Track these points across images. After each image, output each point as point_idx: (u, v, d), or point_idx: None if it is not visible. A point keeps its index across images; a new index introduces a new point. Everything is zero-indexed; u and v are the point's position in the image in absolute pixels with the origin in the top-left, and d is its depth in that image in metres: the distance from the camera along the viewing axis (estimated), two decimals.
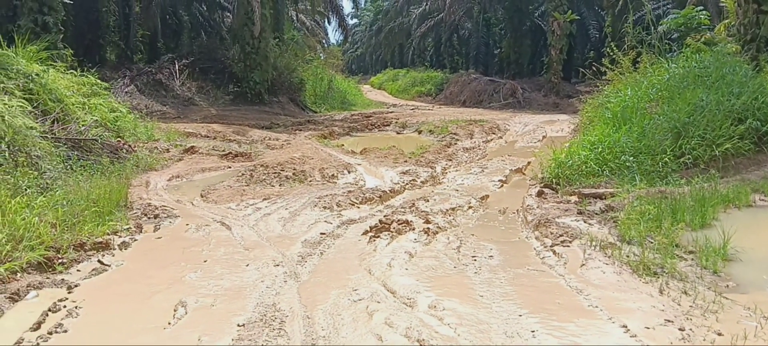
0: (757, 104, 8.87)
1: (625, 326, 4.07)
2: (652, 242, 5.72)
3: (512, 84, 31.29)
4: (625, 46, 15.60)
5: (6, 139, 7.40)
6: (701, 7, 15.05)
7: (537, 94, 30.12)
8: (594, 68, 15.02)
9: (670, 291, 4.68)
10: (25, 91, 9.60)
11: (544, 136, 16.47)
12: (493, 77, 34.59)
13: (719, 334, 3.91)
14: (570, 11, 28.43)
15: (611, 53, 14.51)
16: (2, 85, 9.15)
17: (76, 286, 4.95)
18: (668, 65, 11.36)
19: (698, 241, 5.58)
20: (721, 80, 9.49)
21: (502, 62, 39.32)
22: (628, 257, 5.46)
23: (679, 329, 3.99)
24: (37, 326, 4.15)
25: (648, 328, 4.04)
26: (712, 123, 8.53)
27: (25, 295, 4.69)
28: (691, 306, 4.38)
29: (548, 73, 30.47)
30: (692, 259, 5.38)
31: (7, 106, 8.29)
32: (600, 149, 9.18)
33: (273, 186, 9.42)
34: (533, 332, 4.03)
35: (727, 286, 4.78)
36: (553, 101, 28.58)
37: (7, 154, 7.14)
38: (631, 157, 8.75)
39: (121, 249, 6.03)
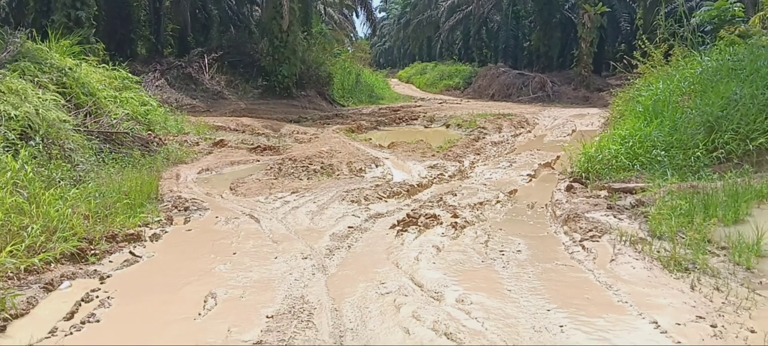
0: None
1: (656, 322, 4.02)
2: (683, 238, 5.64)
3: (541, 77, 31.00)
4: (657, 38, 15.33)
5: (40, 133, 7.55)
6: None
7: (567, 87, 29.79)
8: (625, 61, 14.80)
9: (702, 287, 4.61)
10: (58, 85, 9.77)
11: (573, 130, 16.31)
12: (522, 71, 34.28)
13: (752, 331, 3.84)
14: (601, 3, 28.01)
15: (642, 46, 14.27)
16: (36, 79, 9.32)
17: (108, 276, 5.04)
18: (701, 58, 11.15)
19: (731, 237, 5.48)
20: (755, 73, 9.28)
21: (531, 55, 38.93)
22: (658, 252, 5.39)
23: (711, 326, 3.93)
24: (71, 315, 4.24)
25: (679, 324, 3.99)
26: (746, 117, 8.36)
27: (59, 285, 4.79)
28: (723, 303, 4.31)
29: (578, 67, 30.12)
30: (724, 255, 5.29)
31: (41, 99, 8.45)
32: (631, 143, 9.06)
33: (301, 180, 9.47)
34: (562, 326, 4.00)
35: (761, 282, 4.69)
36: (583, 95, 28.26)
37: (41, 147, 7.27)
38: (663, 152, 8.62)
39: (152, 241, 6.12)
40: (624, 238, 5.87)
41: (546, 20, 35.77)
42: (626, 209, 7.09)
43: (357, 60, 32.46)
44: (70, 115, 9.11)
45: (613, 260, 5.38)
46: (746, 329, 3.88)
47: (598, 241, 5.95)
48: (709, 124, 8.55)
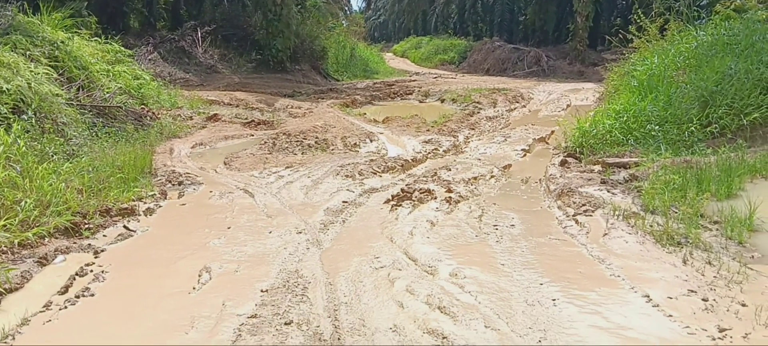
0: None
1: (648, 296, 4.05)
2: (676, 212, 5.67)
3: (537, 52, 30.85)
4: (653, 13, 15.29)
5: (33, 106, 7.50)
6: None
7: (562, 62, 29.67)
8: (620, 36, 14.76)
9: (694, 261, 4.64)
10: (50, 59, 9.68)
11: (568, 105, 16.29)
12: (517, 45, 34.10)
13: (743, 305, 3.88)
14: None
15: (638, 20, 14.23)
16: (28, 52, 9.24)
17: (102, 251, 5.05)
18: (696, 33, 11.13)
19: (724, 211, 5.51)
20: (750, 48, 9.27)
21: (526, 30, 38.74)
22: (651, 226, 5.42)
23: (703, 300, 3.96)
24: (65, 289, 4.25)
25: (671, 298, 4.02)
26: (741, 92, 8.37)
27: (53, 259, 4.79)
28: (715, 277, 4.34)
29: (573, 41, 29.97)
30: (717, 229, 5.32)
31: (33, 73, 8.38)
32: (625, 118, 9.07)
33: (295, 154, 9.46)
34: (554, 300, 4.03)
35: (753, 257, 4.73)
36: (578, 69, 28.16)
37: (33, 121, 7.23)
38: (657, 126, 8.63)
39: (146, 215, 6.12)
40: (617, 212, 5.89)
41: None
42: (620, 183, 7.11)
43: (351, 34, 32.19)
44: (62, 89, 9.04)
45: (606, 234, 5.40)
46: (737, 302, 3.92)
47: (591, 215, 5.97)
48: (704, 99, 8.56)
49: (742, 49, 9.34)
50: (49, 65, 9.42)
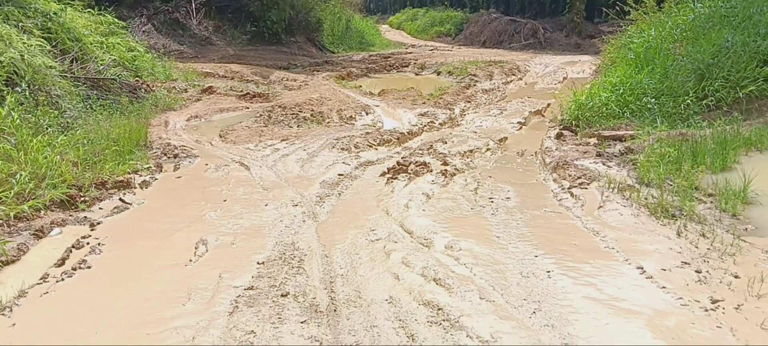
0: None
1: (641, 268, 4.09)
2: (671, 185, 5.69)
3: (533, 24, 30.68)
4: None
5: (26, 79, 7.45)
6: None
7: (559, 34, 29.53)
8: (617, 8, 14.67)
9: (688, 234, 4.67)
10: (43, 30, 9.61)
11: (564, 78, 16.26)
12: (514, 17, 33.87)
13: (736, 276, 3.91)
14: None
15: None
16: (21, 24, 9.15)
17: (98, 223, 5.06)
18: (694, 5, 11.08)
19: (718, 184, 5.54)
20: (747, 20, 9.24)
21: (523, 2, 38.39)
22: (646, 199, 5.44)
23: (696, 272, 3.99)
24: (62, 262, 4.26)
25: (664, 269, 4.05)
26: (737, 65, 8.35)
27: (49, 232, 4.80)
28: (708, 249, 4.38)
29: (570, 13, 29.80)
30: (711, 202, 5.35)
31: (26, 45, 8.31)
32: (621, 91, 9.06)
33: (291, 127, 9.44)
34: (549, 272, 4.06)
35: (746, 229, 4.76)
36: (574, 42, 28.04)
37: (27, 94, 7.19)
38: (653, 99, 8.63)
39: (141, 188, 6.12)
40: (612, 185, 5.91)
41: None
42: (615, 156, 7.13)
43: (347, 5, 31.87)
44: (56, 61, 8.99)
45: (600, 206, 5.43)
46: (730, 274, 3.95)
47: (586, 188, 5.99)
48: (700, 72, 8.55)
49: (740, 22, 9.31)
50: (42, 37, 9.34)
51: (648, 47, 10.33)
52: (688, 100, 8.29)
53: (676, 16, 11.16)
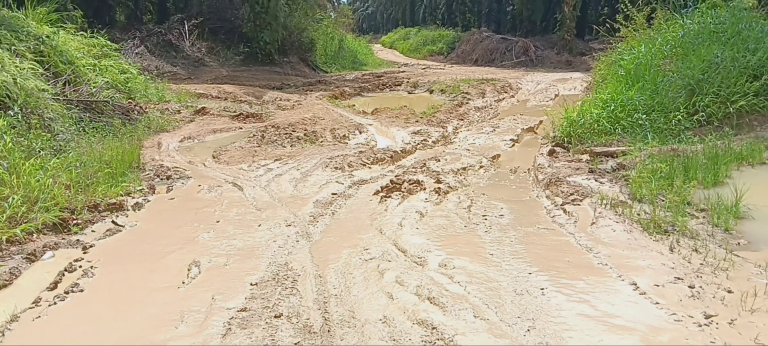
0: None
1: (635, 284, 4.09)
2: (663, 200, 5.71)
3: (524, 42, 30.91)
4: (640, 2, 15.34)
5: (19, 102, 7.44)
6: None
7: (550, 52, 29.75)
8: (608, 25, 14.81)
9: (681, 249, 4.69)
10: (36, 53, 9.62)
11: (556, 95, 16.34)
12: (505, 35, 34.14)
13: (729, 291, 3.92)
14: None
15: (625, 9, 14.27)
16: (13, 47, 9.16)
17: (91, 246, 5.03)
18: (683, 21, 11.19)
19: (710, 199, 5.56)
20: (736, 36, 9.34)
21: (514, 20, 38.80)
22: (638, 215, 5.46)
23: (689, 287, 4.00)
24: (54, 285, 4.23)
25: (657, 285, 4.06)
26: (727, 80, 8.43)
27: (42, 255, 4.77)
28: (701, 264, 4.39)
29: (561, 31, 30.08)
30: (704, 217, 5.37)
31: (18, 68, 8.32)
32: (612, 107, 9.11)
33: (284, 147, 9.45)
34: (542, 289, 4.05)
35: (739, 243, 4.78)
36: (565, 59, 28.25)
37: (20, 117, 7.18)
38: (644, 115, 8.68)
39: (134, 210, 6.10)
40: (605, 201, 5.93)
41: None
42: (607, 172, 7.16)
43: (340, 25, 32.06)
44: (48, 84, 8.99)
45: (593, 223, 5.44)
46: (723, 289, 3.96)
47: (579, 204, 6.01)
48: (690, 88, 8.62)
49: (729, 38, 9.41)
50: (35, 60, 9.36)
51: (638, 64, 10.41)
52: (679, 116, 8.35)
53: (666, 32, 11.27)
